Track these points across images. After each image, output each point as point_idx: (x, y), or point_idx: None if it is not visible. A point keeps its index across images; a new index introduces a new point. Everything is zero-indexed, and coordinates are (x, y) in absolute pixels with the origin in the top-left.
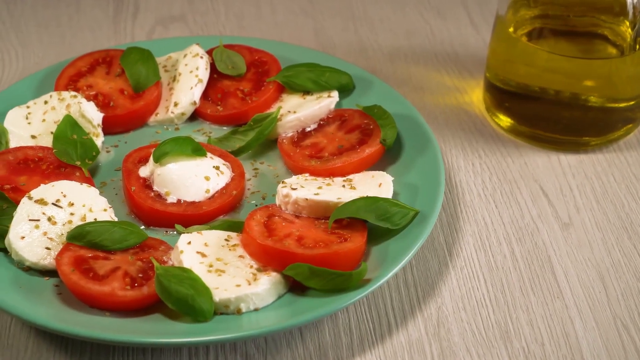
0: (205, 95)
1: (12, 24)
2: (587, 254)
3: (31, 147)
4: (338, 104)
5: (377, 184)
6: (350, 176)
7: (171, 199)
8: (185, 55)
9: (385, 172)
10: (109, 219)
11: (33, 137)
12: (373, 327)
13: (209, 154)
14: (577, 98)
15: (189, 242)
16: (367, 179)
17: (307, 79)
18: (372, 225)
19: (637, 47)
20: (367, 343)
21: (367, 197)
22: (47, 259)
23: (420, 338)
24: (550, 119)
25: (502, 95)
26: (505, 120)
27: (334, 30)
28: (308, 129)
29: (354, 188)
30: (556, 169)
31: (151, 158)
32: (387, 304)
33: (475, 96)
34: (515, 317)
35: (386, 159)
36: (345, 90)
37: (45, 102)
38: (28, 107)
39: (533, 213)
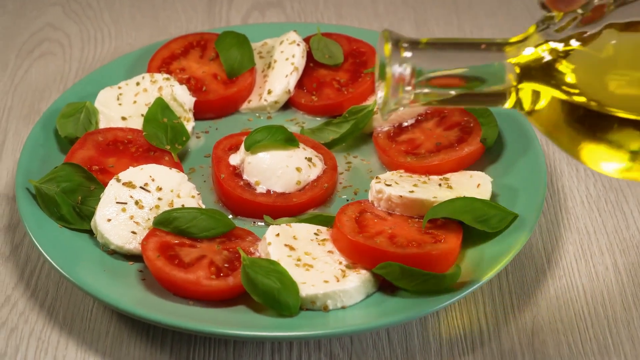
0: (300, 85)
1: (107, 3)
2: None
3: (121, 129)
4: None
5: (475, 185)
6: (447, 175)
7: (261, 188)
8: (281, 42)
9: (484, 173)
10: (197, 206)
11: (123, 118)
12: (464, 333)
13: (301, 145)
14: None
15: (277, 234)
16: (465, 179)
17: None
18: (468, 227)
19: None
20: (457, 350)
21: (464, 198)
22: (132, 243)
23: (512, 348)
24: None
25: None
26: None
27: (435, 23)
28: (405, 124)
29: (451, 187)
30: None
31: (242, 146)
32: (479, 310)
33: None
34: (616, 332)
35: (485, 159)
36: None
37: (137, 84)
38: (119, 87)
39: (639, 224)
